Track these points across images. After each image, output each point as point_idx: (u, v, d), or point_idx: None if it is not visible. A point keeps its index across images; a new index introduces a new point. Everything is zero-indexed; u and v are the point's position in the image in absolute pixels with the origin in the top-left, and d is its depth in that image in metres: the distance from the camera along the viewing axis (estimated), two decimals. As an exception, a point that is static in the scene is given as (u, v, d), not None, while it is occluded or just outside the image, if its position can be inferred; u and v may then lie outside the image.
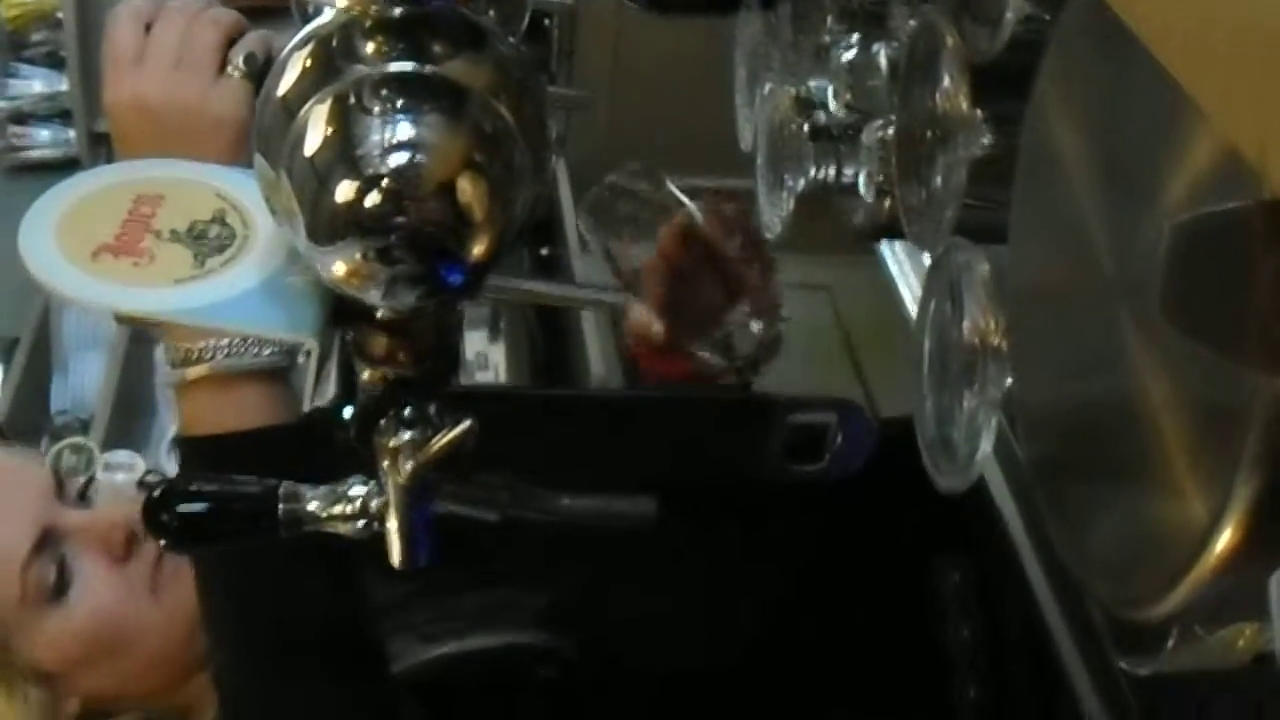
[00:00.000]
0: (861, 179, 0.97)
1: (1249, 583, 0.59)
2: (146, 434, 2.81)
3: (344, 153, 0.74)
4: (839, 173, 0.98)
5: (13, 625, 1.22)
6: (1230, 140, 0.51)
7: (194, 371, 1.06)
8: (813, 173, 0.97)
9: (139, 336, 3.21)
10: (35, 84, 3.54)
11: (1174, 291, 0.50)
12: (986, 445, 0.80)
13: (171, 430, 2.79)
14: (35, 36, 3.52)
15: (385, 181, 0.74)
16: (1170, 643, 0.79)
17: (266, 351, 1.06)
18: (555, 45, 3.03)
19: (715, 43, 1.26)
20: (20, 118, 3.55)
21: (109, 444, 2.52)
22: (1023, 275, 0.75)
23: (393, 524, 0.90)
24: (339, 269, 0.76)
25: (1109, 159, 0.67)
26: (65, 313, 2.98)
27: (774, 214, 1.02)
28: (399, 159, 0.74)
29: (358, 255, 0.75)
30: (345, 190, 0.74)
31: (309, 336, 0.82)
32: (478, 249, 0.77)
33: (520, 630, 1.24)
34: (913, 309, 1.47)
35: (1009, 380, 0.78)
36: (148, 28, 1.11)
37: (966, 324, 0.81)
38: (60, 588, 1.23)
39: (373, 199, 0.74)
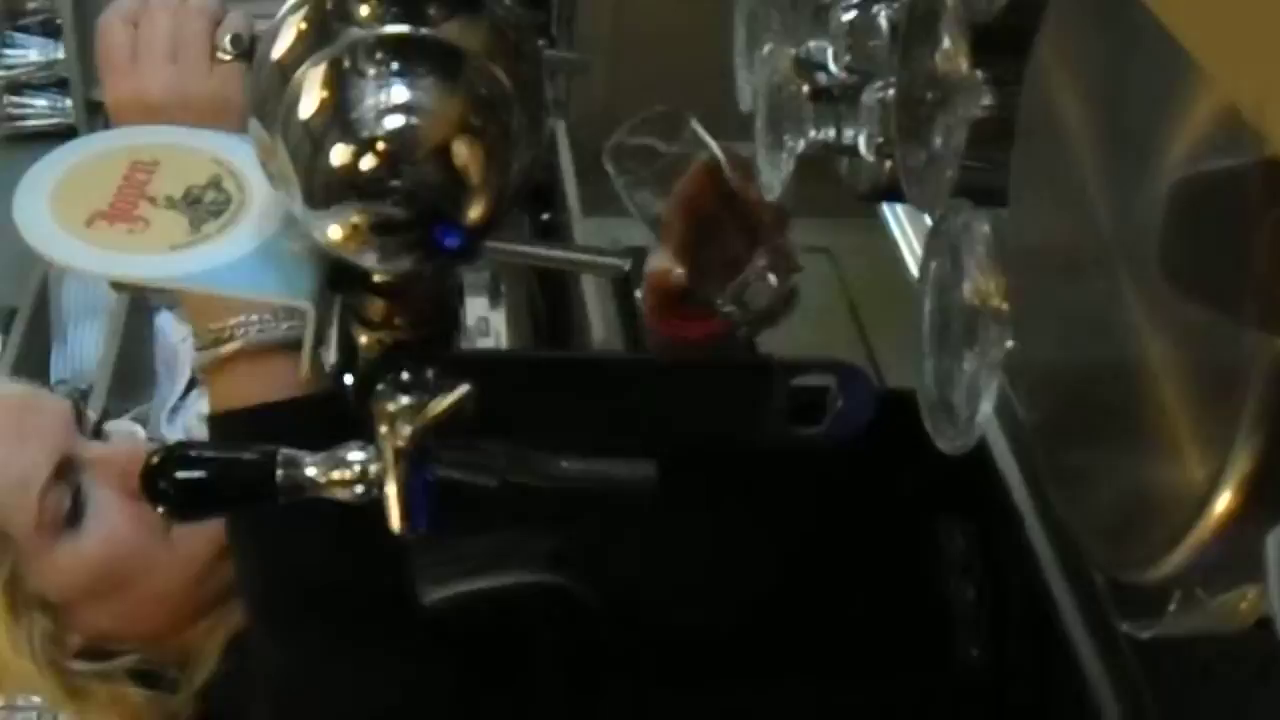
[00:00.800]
0: (862, 140, 0.96)
1: (1250, 545, 0.59)
2: (146, 404, 2.81)
3: (339, 116, 0.74)
4: (839, 134, 0.97)
5: (26, 551, 1.23)
6: (1229, 97, 0.51)
7: (227, 349, 1.06)
8: (813, 134, 0.97)
9: (138, 306, 3.21)
10: (31, 53, 3.53)
11: (1173, 251, 0.50)
12: (987, 407, 0.79)
13: (171, 400, 2.79)
14: (31, 5, 3.51)
15: (380, 144, 0.74)
16: (1172, 606, 0.79)
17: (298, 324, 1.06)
18: (555, 9, 3.02)
19: (716, 5, 1.25)
20: (16, 87, 3.54)
21: (109, 414, 2.52)
22: (1022, 237, 0.75)
23: (391, 489, 0.90)
24: (335, 233, 0.76)
25: (1108, 120, 0.67)
26: (64, 282, 2.98)
27: (774, 175, 1.01)
28: (394, 122, 0.74)
29: (354, 219, 0.75)
30: (340, 153, 0.74)
31: (305, 301, 0.82)
32: (474, 212, 0.77)
33: (531, 571, 1.24)
34: (915, 270, 1.47)
35: (1010, 342, 0.77)
36: (136, 27, 1.11)
37: (967, 285, 0.80)
38: (75, 516, 1.25)
39: (368, 162, 0.74)
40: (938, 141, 0.86)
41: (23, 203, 0.82)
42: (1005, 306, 0.78)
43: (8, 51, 3.51)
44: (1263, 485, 0.56)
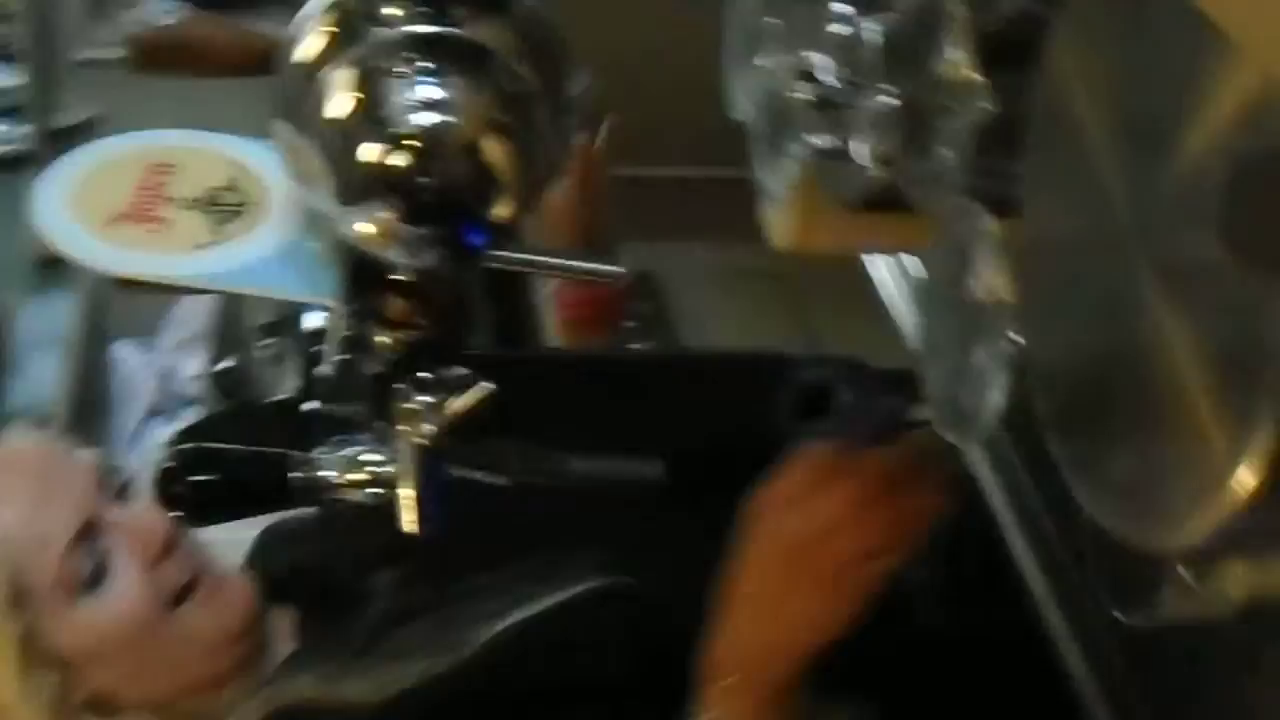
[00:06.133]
0: (864, 148, 0.97)
1: (1271, 517, 0.61)
2: (107, 433, 2.80)
3: (369, 114, 0.76)
4: (839, 141, 0.98)
5: (43, 608, 1.23)
6: (1260, 69, 0.53)
7: None
8: (814, 141, 0.98)
9: (96, 335, 3.19)
10: (-13, 79, 3.52)
11: (1233, 220, 0.52)
12: (997, 400, 0.81)
13: (130, 428, 2.78)
14: (-12, 32, 3.50)
15: (409, 141, 0.75)
16: (1164, 592, 0.82)
17: None
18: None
19: (705, 16, 1.26)
20: (-29, 114, 3.52)
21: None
22: (1037, 229, 0.77)
23: (406, 490, 0.91)
24: (365, 229, 0.77)
25: (1125, 107, 0.69)
26: (20, 311, 2.97)
27: (775, 182, 1.02)
28: (423, 119, 0.75)
29: (384, 215, 0.77)
30: (371, 150, 0.76)
31: (329, 299, 0.83)
32: (501, 209, 0.79)
33: (584, 580, 1.23)
34: (878, 276, 1.48)
35: (1018, 336, 0.79)
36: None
37: (975, 281, 0.82)
38: (94, 580, 1.24)
39: (398, 158, 0.75)
40: (942, 148, 0.88)
41: (43, 206, 0.83)
42: (1013, 301, 0.80)
43: (-37, 79, 3.50)
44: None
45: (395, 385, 0.87)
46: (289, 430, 1.35)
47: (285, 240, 0.84)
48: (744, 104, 1.10)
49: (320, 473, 0.91)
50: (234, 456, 0.92)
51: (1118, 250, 0.67)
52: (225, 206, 0.85)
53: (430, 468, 0.90)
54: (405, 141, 0.75)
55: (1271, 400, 0.58)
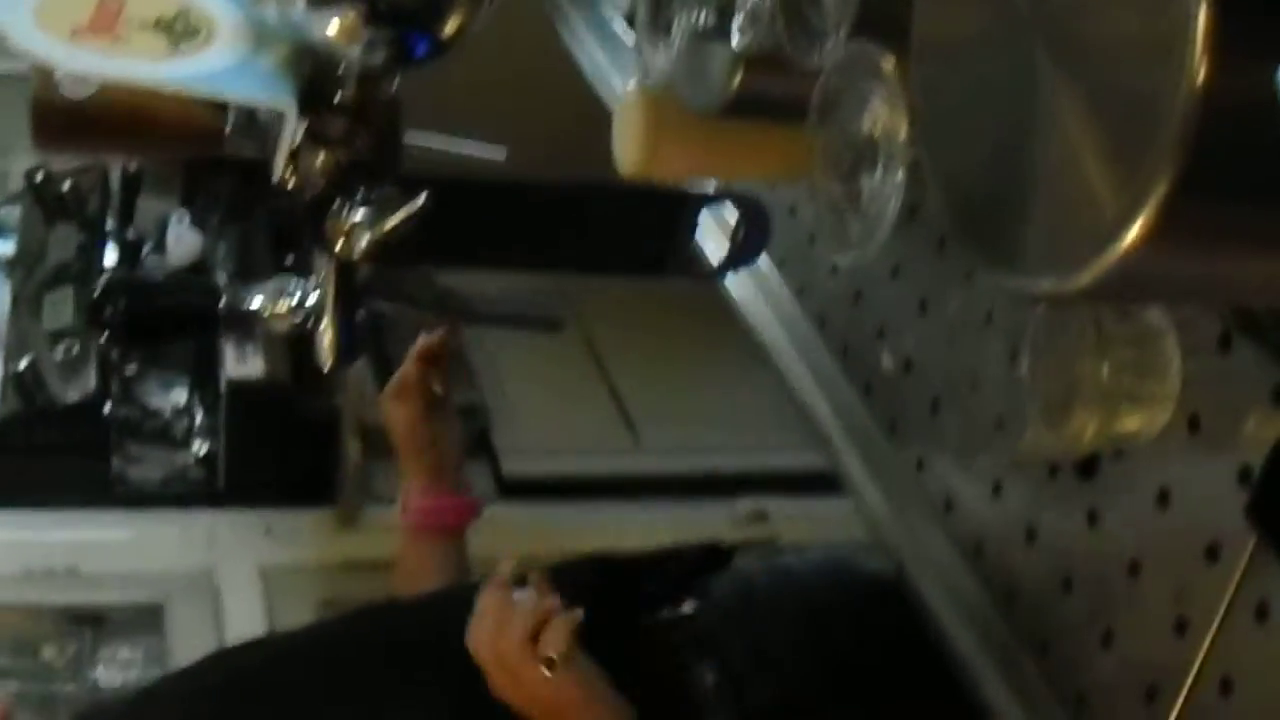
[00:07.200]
0: (735, 27, 1.04)
1: (1156, 268, 0.71)
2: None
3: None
4: (721, 19, 1.05)
5: None
6: None
7: None
8: (697, 16, 1.05)
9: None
10: None
11: None
12: (890, 215, 0.90)
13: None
14: None
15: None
16: (1021, 437, 0.91)
17: None
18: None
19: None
20: None
21: None
22: (931, 34, 0.84)
23: (327, 320, 0.96)
24: (332, 27, 0.84)
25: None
26: None
27: (656, 58, 1.08)
28: (390, -72, 0.83)
29: (350, 15, 0.84)
30: (341, -45, 0.82)
31: (286, 102, 0.88)
32: (447, 26, 0.86)
33: None
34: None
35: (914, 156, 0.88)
36: None
37: (867, 117, 0.91)
38: None
39: (366, -37, 0.82)
40: (826, 18, 0.96)
41: (8, 19, 0.87)
42: (907, 130, 0.89)
43: None
44: (1174, 212, 0.68)
45: (331, 204, 0.93)
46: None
47: (241, 57, 0.90)
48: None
49: (250, 303, 0.96)
50: (165, 283, 0.97)
51: (1015, 40, 0.76)
52: (178, 32, 0.90)
53: (353, 299, 0.96)
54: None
55: (1156, 163, 0.68)
